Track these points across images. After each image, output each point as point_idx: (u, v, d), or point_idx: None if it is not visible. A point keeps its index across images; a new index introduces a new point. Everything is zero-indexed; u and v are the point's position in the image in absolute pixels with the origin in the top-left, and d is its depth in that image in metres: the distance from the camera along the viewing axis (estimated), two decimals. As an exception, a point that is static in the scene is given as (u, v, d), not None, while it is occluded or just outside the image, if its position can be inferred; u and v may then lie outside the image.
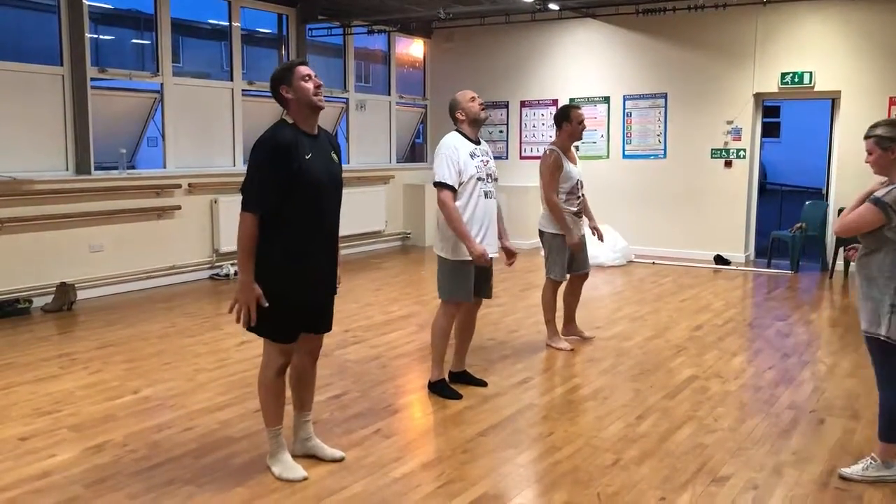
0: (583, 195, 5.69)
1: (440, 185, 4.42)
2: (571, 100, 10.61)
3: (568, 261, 5.67)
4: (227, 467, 3.64)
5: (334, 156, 3.56)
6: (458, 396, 4.65)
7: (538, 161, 5.77)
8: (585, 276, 5.90)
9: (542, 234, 5.72)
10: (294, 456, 3.64)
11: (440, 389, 4.70)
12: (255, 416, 4.28)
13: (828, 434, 4.11)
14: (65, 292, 6.96)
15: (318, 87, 3.41)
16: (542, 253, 5.86)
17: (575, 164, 5.65)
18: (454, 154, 4.44)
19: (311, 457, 3.70)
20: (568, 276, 5.79)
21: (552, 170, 5.50)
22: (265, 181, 3.27)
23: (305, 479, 3.48)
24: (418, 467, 3.66)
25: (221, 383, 4.90)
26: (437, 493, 3.39)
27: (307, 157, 3.32)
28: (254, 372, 5.10)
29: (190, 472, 3.59)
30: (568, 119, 5.57)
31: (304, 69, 3.41)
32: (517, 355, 5.57)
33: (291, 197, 3.30)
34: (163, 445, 3.90)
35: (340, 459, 3.70)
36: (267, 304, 3.31)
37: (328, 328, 3.68)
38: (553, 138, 5.84)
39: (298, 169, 3.28)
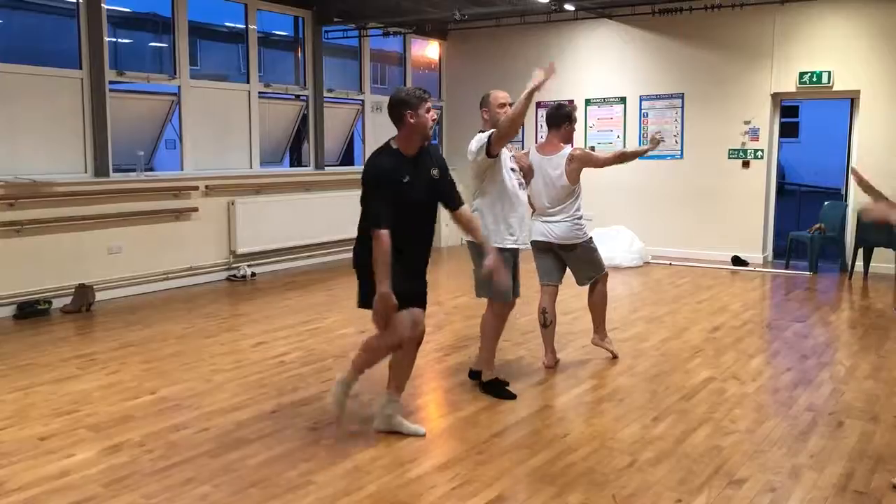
0: None
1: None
2: (588, 101, 10.60)
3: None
4: (242, 468, 3.65)
5: (435, 172, 3.91)
6: (513, 396, 4.65)
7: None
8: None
9: (574, 247, 5.17)
10: (378, 431, 4.05)
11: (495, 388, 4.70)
12: (271, 417, 4.32)
13: (847, 436, 4.07)
14: (84, 293, 7.02)
15: (434, 120, 3.89)
16: (584, 260, 5.29)
17: None
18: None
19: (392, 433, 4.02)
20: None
21: (589, 154, 5.46)
22: (381, 201, 3.69)
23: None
24: (433, 468, 3.67)
25: (238, 384, 4.92)
26: (451, 494, 3.39)
27: (405, 181, 3.74)
28: (269, 373, 5.16)
29: (206, 472, 3.61)
30: (571, 120, 5.20)
31: (430, 103, 3.84)
32: (533, 356, 5.56)
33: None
34: (179, 445, 3.93)
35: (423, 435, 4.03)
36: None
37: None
38: (556, 139, 5.18)
39: (398, 191, 3.71)
